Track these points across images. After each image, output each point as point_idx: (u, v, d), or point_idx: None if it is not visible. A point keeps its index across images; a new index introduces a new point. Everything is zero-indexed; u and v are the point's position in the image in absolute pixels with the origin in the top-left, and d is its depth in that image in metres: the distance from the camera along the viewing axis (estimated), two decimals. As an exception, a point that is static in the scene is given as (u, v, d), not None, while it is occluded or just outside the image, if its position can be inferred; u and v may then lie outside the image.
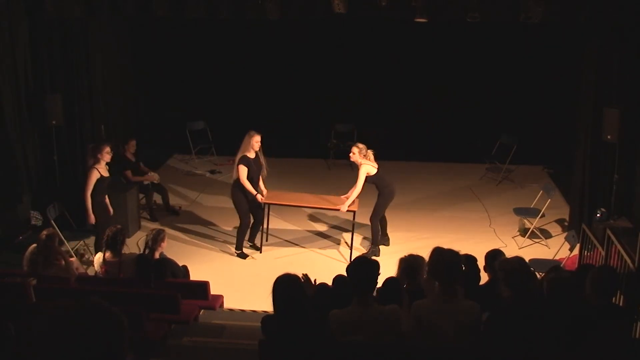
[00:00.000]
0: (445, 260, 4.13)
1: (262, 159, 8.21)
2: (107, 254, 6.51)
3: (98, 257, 6.66)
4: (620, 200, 8.34)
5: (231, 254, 8.55)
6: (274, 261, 8.38)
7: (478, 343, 4.04)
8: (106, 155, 7.75)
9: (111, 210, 7.98)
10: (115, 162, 8.29)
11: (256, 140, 8.05)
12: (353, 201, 8.29)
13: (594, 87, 8.36)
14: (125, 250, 6.86)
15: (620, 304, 5.70)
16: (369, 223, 8.49)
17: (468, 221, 9.69)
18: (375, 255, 8.11)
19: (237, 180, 8.11)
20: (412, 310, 4.12)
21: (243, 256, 8.47)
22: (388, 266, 5.57)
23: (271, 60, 12.29)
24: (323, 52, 12.09)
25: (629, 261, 6.05)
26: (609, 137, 8.07)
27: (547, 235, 9.18)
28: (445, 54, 11.90)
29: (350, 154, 8.26)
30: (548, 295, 4.50)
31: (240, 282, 7.81)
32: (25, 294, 5.69)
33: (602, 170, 8.48)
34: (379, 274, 4.21)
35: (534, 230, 8.92)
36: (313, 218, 9.69)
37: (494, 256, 5.60)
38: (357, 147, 8.21)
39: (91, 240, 8.20)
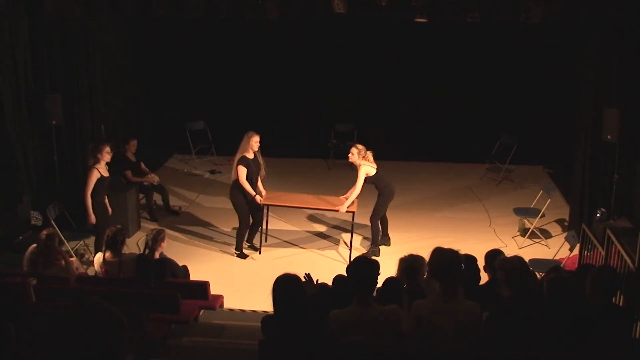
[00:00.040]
0: (446, 260, 4.13)
1: (260, 160, 8.21)
2: (107, 254, 6.51)
3: (98, 257, 6.66)
4: (620, 200, 8.34)
5: (231, 254, 8.55)
6: (274, 261, 8.38)
7: (478, 343, 4.04)
8: (106, 155, 7.74)
9: (110, 210, 7.99)
10: (115, 162, 8.29)
11: (255, 141, 8.05)
12: (352, 202, 8.29)
13: (594, 87, 8.37)
14: (125, 250, 6.85)
15: (620, 304, 5.69)
16: (369, 223, 8.50)
17: (468, 221, 9.68)
18: (375, 255, 8.11)
19: (236, 181, 8.11)
20: (412, 310, 4.11)
21: (243, 256, 8.47)
22: (388, 266, 5.57)
23: (271, 60, 12.28)
24: (323, 52, 12.08)
25: (629, 261, 6.04)
26: (609, 137, 8.07)
27: (547, 235, 9.18)
28: (445, 54, 11.89)
29: (349, 155, 8.26)
30: (548, 295, 4.50)
31: (240, 282, 7.81)
32: (25, 294, 5.69)
33: (602, 170, 8.48)
34: (379, 274, 4.22)
35: (534, 230, 8.92)
36: (312, 218, 9.68)
37: (494, 256, 5.59)
38: (356, 148, 8.21)
39: (91, 240, 8.21)
